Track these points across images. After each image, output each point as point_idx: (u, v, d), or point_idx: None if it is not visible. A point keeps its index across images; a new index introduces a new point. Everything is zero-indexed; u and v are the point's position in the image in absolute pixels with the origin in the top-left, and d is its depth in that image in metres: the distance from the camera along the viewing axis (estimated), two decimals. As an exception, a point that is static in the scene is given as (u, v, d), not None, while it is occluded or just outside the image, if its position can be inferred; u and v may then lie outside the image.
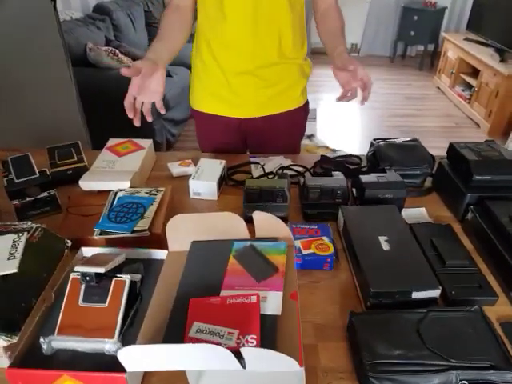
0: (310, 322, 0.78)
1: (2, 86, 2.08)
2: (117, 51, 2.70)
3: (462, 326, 0.69)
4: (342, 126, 3.80)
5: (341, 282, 0.87)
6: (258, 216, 0.78)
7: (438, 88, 4.64)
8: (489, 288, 0.81)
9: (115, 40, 3.23)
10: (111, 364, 0.60)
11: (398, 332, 0.68)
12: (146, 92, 1.05)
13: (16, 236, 0.79)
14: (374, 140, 1.27)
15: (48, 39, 2.00)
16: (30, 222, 0.86)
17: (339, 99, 1.11)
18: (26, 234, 0.80)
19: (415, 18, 4.97)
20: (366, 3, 5.31)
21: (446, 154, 1.15)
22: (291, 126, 1.41)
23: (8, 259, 0.74)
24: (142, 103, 1.07)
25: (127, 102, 1.04)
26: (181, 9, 1.21)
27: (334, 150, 3.37)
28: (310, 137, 3.58)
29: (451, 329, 0.68)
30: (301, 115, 1.43)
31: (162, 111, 1.10)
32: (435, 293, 0.76)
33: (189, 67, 1.45)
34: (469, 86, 4.03)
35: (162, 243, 0.86)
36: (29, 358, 0.66)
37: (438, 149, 3.31)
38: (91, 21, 3.22)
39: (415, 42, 5.34)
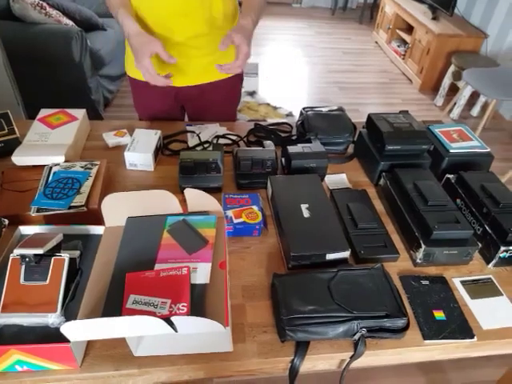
0: (239, 285, 0.87)
1: None
2: (44, 4, 2.50)
3: (365, 282, 0.81)
4: (283, 82, 3.83)
5: (268, 246, 0.97)
6: (190, 192, 0.85)
7: (376, 43, 4.75)
8: (392, 247, 0.94)
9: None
10: (57, 335, 0.65)
11: (311, 290, 0.80)
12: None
13: (-50, 219, 0.81)
14: (304, 109, 1.35)
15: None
16: (-38, 204, 0.86)
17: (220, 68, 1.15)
18: (-40, 216, 0.82)
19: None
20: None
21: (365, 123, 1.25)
22: (227, 93, 1.45)
23: None
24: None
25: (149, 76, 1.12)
26: None
27: (274, 108, 3.43)
28: (252, 94, 3.60)
29: (356, 285, 0.81)
30: (237, 82, 1.47)
31: (172, 60, 1.12)
32: (345, 254, 0.88)
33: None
34: (404, 42, 4.17)
35: (98, 218, 0.90)
36: (-25, 335, 0.70)
37: (372, 105, 3.51)
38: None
39: (356, -6, 5.37)
